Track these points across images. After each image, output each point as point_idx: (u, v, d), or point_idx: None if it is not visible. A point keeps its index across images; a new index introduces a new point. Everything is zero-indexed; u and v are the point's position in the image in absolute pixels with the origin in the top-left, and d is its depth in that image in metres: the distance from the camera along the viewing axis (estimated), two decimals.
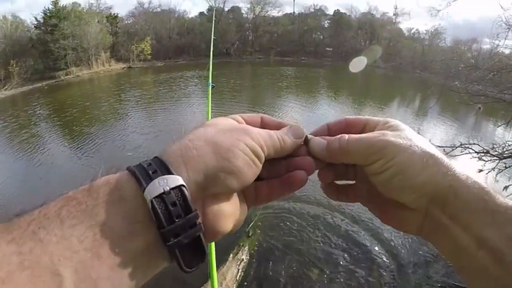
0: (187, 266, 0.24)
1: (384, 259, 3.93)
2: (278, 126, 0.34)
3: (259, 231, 4.23)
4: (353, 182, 0.36)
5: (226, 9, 28.25)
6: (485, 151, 4.14)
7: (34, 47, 18.07)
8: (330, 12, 29.69)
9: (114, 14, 23.34)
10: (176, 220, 0.23)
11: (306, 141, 0.34)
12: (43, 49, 17.75)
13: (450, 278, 3.57)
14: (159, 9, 26.41)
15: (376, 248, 4.08)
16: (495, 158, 4.08)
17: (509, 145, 4.21)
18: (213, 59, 3.88)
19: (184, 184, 0.24)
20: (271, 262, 3.77)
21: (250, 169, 0.27)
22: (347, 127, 0.35)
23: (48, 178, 6.18)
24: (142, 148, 7.31)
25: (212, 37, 4.64)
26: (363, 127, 0.35)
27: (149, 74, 19.55)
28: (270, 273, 3.64)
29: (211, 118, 0.33)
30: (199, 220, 0.25)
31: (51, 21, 17.87)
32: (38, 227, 0.20)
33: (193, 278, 3.19)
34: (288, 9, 37.57)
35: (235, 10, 28.75)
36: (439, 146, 4.47)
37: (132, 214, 0.23)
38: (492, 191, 0.27)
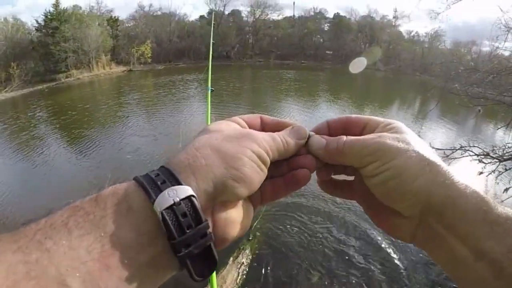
0: (198, 275, 0.24)
1: (388, 261, 3.91)
2: (277, 125, 0.34)
3: (259, 234, 4.21)
4: (352, 178, 0.36)
5: (226, 12, 28.48)
6: (485, 153, 4.14)
7: (34, 50, 18.14)
8: (330, 15, 29.96)
9: (115, 17, 23.48)
10: (187, 231, 0.23)
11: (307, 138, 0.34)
12: (44, 52, 17.83)
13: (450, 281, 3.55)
14: (159, 12, 26.60)
15: (377, 252, 4.06)
16: (495, 160, 4.08)
17: (509, 148, 4.21)
18: (213, 62, 3.88)
19: (194, 194, 0.24)
20: (271, 266, 3.75)
21: (257, 176, 0.28)
22: (348, 125, 0.35)
23: (49, 179, 6.20)
24: (141, 151, 7.32)
25: (211, 41, 4.64)
26: (364, 127, 0.34)
27: (149, 77, 19.60)
28: (271, 276, 3.62)
29: (211, 121, 0.32)
30: (210, 230, 0.25)
31: (52, 24, 17.97)
32: (44, 237, 0.20)
33: (192, 282, 3.16)
34: (288, 13, 37.77)
35: (235, 13, 28.92)
36: (439, 149, 4.47)
37: (141, 225, 0.23)
38: (491, 201, 0.26)
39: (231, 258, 3.71)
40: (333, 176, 0.36)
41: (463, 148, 4.21)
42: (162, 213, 0.22)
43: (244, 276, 3.56)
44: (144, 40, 22.57)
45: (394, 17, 28.29)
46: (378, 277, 3.67)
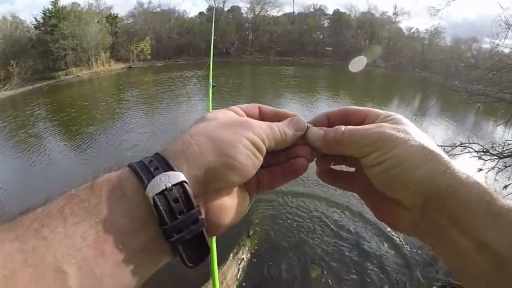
0: (190, 261, 0.24)
1: (387, 256, 3.92)
2: (275, 116, 0.34)
3: (259, 230, 4.23)
4: (353, 170, 0.36)
5: (226, 9, 28.34)
6: (485, 150, 4.15)
7: (33, 48, 18.08)
8: (330, 11, 29.85)
9: (114, 14, 23.38)
10: (179, 217, 0.23)
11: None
12: (43, 49, 17.77)
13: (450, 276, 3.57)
14: (158, 9, 26.45)
15: (379, 246, 4.08)
16: (495, 157, 4.08)
17: (508, 144, 4.22)
18: (213, 58, 3.87)
19: (186, 180, 0.24)
20: (271, 261, 3.77)
21: (252, 163, 0.27)
22: (347, 117, 0.34)
23: (47, 175, 6.20)
24: (140, 147, 7.31)
25: (212, 36, 4.63)
26: (364, 119, 0.34)
27: (148, 74, 19.54)
28: (271, 272, 3.64)
29: None
30: (202, 216, 0.24)
31: (50, 21, 17.89)
32: (41, 225, 0.20)
33: (194, 277, 3.19)
34: (288, 9, 37.71)
35: (235, 9, 28.77)
36: (439, 145, 4.45)
37: (134, 210, 0.23)
38: (494, 192, 0.25)
39: (231, 254, 3.73)
40: (333, 167, 0.36)
41: (463, 145, 4.21)
42: (153, 198, 0.22)
43: (244, 272, 3.58)
44: (143, 37, 22.50)
45: (394, 14, 28.23)
46: (377, 273, 3.69)
